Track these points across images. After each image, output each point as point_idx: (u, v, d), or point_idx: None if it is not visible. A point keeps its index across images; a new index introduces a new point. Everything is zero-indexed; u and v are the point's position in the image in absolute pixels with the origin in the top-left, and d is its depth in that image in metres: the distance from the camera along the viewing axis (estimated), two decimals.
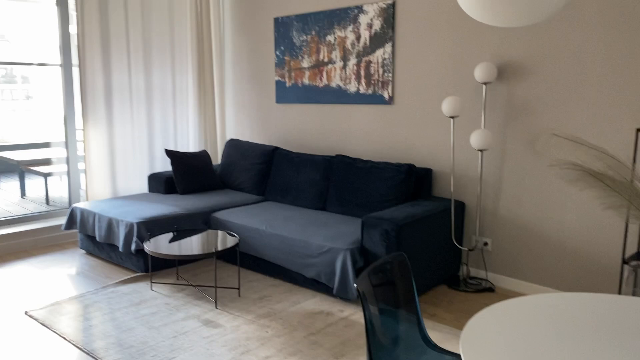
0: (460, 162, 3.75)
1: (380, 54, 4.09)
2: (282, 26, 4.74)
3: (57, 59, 4.50)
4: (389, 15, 3.99)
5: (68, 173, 4.75)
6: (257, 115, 5.11)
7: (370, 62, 4.16)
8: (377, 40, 4.09)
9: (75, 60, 4.49)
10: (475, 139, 3.40)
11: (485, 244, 3.69)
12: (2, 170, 5.91)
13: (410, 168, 3.71)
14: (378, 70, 4.11)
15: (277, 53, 4.81)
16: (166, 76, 4.86)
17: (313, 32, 4.51)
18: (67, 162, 4.72)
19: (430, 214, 3.45)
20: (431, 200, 3.72)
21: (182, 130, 5.05)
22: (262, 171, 4.53)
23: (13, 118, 13.07)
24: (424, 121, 3.92)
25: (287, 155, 4.41)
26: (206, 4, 4.97)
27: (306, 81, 4.62)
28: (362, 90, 4.23)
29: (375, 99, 4.16)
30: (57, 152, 6.27)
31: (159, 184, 4.54)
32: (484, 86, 3.50)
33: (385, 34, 4.03)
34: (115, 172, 4.64)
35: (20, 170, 5.61)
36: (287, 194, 4.27)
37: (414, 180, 3.74)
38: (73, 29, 4.47)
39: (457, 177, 3.77)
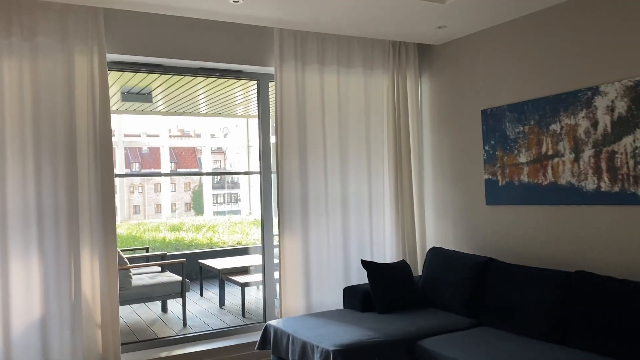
0: None
1: (628, 142, 3.21)
2: (492, 118, 4.15)
3: (257, 166, 4.50)
4: (638, 95, 3.15)
5: (264, 283, 4.56)
6: (462, 219, 4.45)
7: (614, 152, 3.29)
8: (623, 126, 3.24)
9: (274, 167, 4.43)
10: None
11: None
12: (207, 277, 6.08)
13: None
14: (627, 162, 3.22)
15: (487, 148, 4.20)
16: (362, 181, 4.54)
17: (532, 122, 3.83)
18: (263, 271, 4.54)
19: None
20: None
21: (378, 237, 4.60)
22: (473, 287, 3.78)
23: (222, 221, 14.19)
24: None
25: (506, 269, 3.62)
26: (404, 103, 4.64)
27: (525, 178, 3.88)
28: (604, 187, 3.35)
29: (624, 198, 3.23)
30: (254, 260, 6.34)
31: (355, 299, 4.06)
32: None
33: (635, 117, 3.18)
34: (309, 283, 4.31)
35: (221, 278, 5.68)
36: (508, 319, 3.43)
37: None
38: (273, 138, 4.46)
39: None
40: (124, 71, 4.00)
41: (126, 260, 4.72)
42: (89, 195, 3.57)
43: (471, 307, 3.76)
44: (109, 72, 3.74)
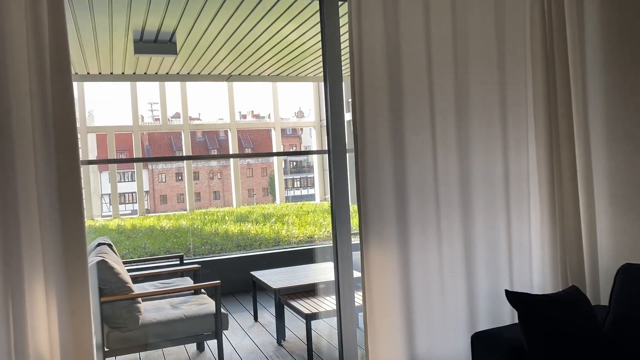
0: None
1: None
2: None
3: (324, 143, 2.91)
4: None
5: (338, 315, 2.99)
6: None
7: None
8: None
9: (350, 143, 2.82)
10: None
11: None
12: (262, 289, 4.56)
13: None
14: None
15: None
16: (493, 158, 2.81)
17: None
18: (338, 297, 2.97)
19: None
20: None
21: (522, 248, 2.86)
22: None
23: (294, 209, 12.87)
24: None
25: None
26: (559, 30, 2.83)
27: None
28: None
29: None
30: (325, 271, 4.74)
31: (497, 356, 2.38)
32: None
33: None
34: (412, 322, 2.69)
35: (278, 301, 4.12)
36: None
37: None
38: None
39: None
40: None
41: (129, 284, 3.21)
42: (38, 195, 2.11)
43: None
44: None
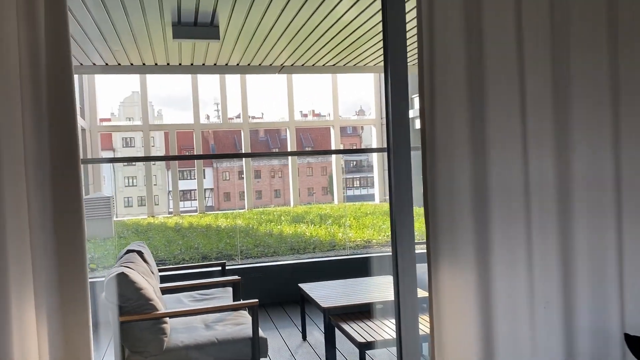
0: None
1: None
2: None
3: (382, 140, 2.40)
4: None
5: (398, 339, 2.48)
6: None
7: None
8: None
9: (416, 139, 2.30)
10: None
11: None
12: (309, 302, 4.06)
13: None
14: None
15: None
16: (600, 157, 2.21)
17: None
18: (397, 314, 2.46)
19: None
20: None
21: (636, 275, 2.25)
22: None
23: (352, 210, 12.37)
24: None
25: None
26: None
27: None
28: None
29: None
30: (384, 286, 4.20)
31: None
32: None
33: None
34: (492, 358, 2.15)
35: (328, 321, 3.63)
36: None
37: None
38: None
39: None
40: None
41: (153, 301, 2.79)
42: (28, 196, 1.74)
43: None
44: None
